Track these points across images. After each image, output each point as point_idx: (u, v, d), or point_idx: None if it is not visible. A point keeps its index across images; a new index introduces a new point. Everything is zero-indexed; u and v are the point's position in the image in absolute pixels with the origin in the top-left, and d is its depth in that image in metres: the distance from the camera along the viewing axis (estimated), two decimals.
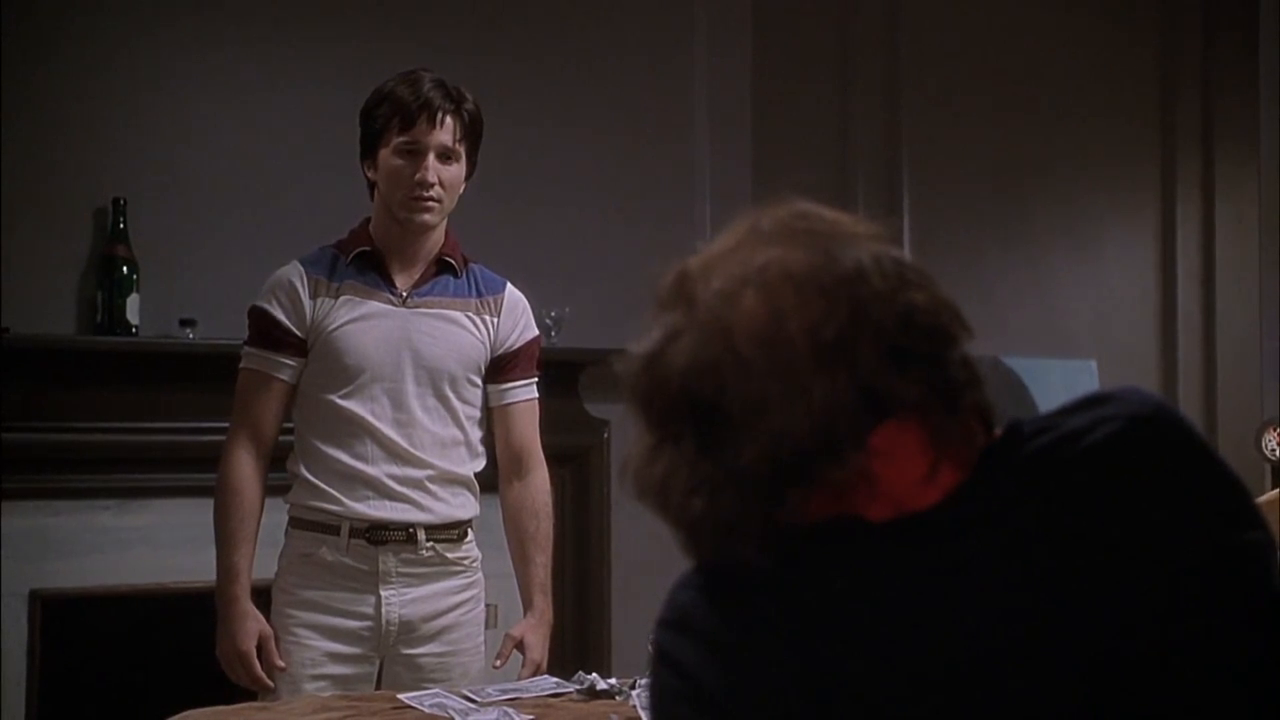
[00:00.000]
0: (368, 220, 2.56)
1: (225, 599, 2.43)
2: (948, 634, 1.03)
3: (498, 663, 2.56)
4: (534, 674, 2.51)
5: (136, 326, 3.59)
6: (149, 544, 3.60)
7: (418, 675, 2.46)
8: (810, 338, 1.02)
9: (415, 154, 2.44)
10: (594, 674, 2.26)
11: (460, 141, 2.48)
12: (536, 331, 2.67)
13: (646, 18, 4.38)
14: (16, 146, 3.52)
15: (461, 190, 2.54)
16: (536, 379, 2.65)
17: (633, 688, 2.18)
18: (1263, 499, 3.26)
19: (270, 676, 2.42)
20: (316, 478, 2.45)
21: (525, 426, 2.61)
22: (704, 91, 4.43)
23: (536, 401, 2.65)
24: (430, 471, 2.47)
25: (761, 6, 4.51)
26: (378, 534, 2.44)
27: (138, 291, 3.59)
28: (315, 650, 2.43)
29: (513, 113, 4.12)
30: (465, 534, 2.53)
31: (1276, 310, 4.44)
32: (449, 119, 2.45)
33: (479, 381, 2.55)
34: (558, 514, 4.17)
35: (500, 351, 2.57)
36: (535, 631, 2.56)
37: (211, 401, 3.63)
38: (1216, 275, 5.26)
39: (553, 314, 4.07)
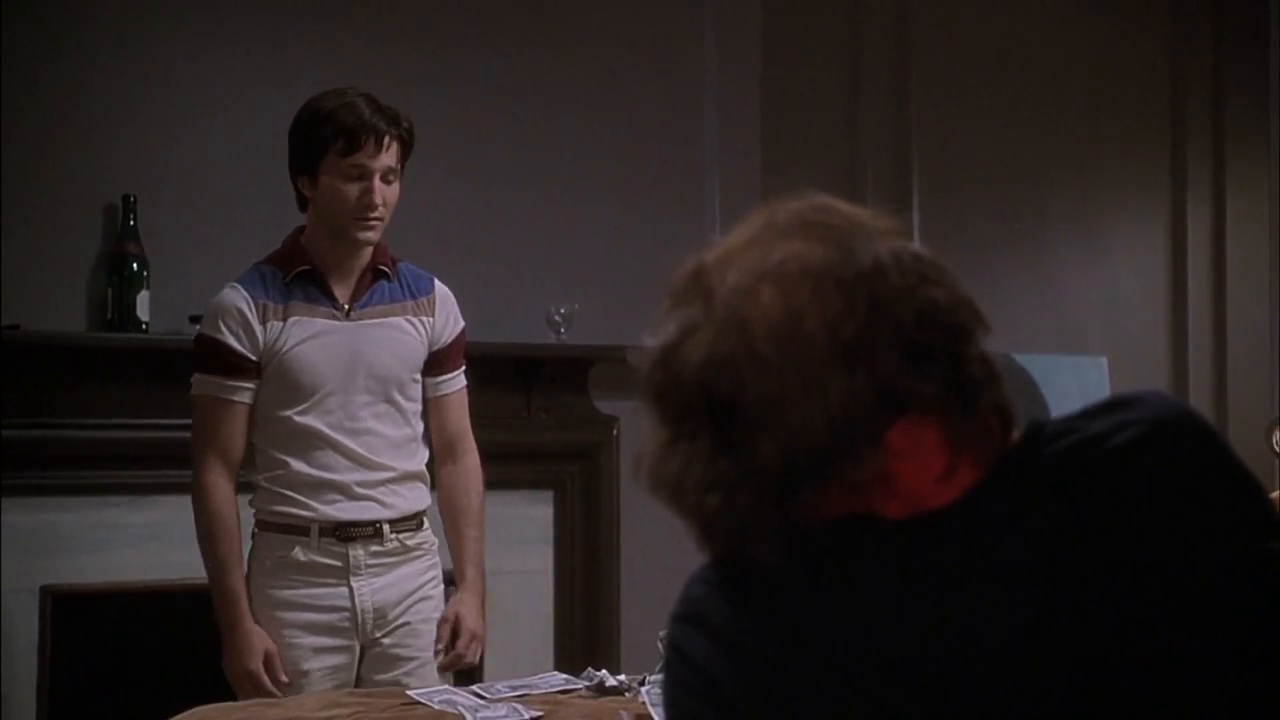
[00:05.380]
0: (299, 232, 2.66)
1: (229, 621, 2.54)
2: (963, 634, 1.02)
3: (439, 647, 2.67)
4: (471, 643, 2.65)
5: (147, 323, 3.58)
6: (159, 540, 3.60)
7: (393, 641, 2.62)
8: (829, 335, 1.02)
9: (361, 177, 2.53)
10: (603, 670, 2.27)
11: (399, 162, 2.60)
12: (463, 322, 2.78)
13: (656, 12, 4.37)
14: (26, 143, 3.52)
15: None
16: (464, 367, 2.78)
17: (642, 684, 2.19)
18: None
19: (278, 688, 2.52)
20: (282, 487, 2.57)
21: (458, 414, 2.75)
22: (714, 87, 4.42)
23: (465, 389, 2.78)
24: (391, 473, 2.62)
25: (771, 1, 4.50)
26: (346, 531, 2.58)
27: (148, 288, 3.59)
28: (301, 648, 2.56)
29: (521, 109, 4.13)
30: (422, 523, 2.68)
31: None
32: (394, 143, 2.56)
33: (419, 378, 2.69)
34: (567, 511, 4.20)
35: (436, 348, 2.70)
36: (466, 604, 2.68)
37: None
38: (1227, 272, 5.24)
39: (561, 311, 4.06)
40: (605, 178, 4.27)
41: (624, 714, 2.02)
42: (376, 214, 2.54)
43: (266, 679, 2.50)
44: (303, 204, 2.63)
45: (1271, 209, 4.67)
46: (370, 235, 2.57)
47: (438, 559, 2.71)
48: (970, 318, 1.07)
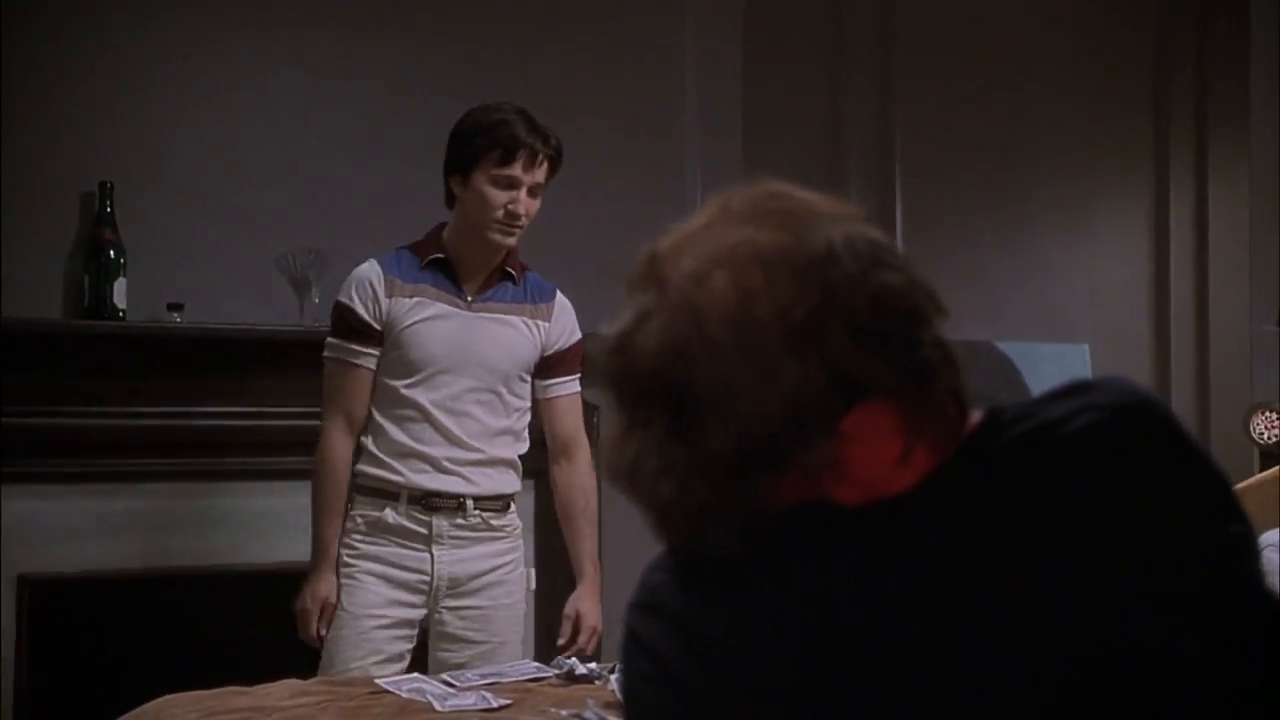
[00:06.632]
0: (442, 227, 2.87)
1: (312, 563, 2.80)
2: (918, 621, 1.02)
3: (561, 641, 2.86)
4: (591, 638, 2.85)
5: (124, 311, 3.56)
6: (137, 528, 3.59)
7: (464, 624, 2.80)
8: (781, 320, 1.01)
9: (510, 187, 2.74)
10: (573, 659, 2.27)
11: (547, 178, 2.81)
12: (580, 334, 2.93)
13: (637, 2, 4.35)
14: (2, 131, 3.50)
15: None
16: (579, 375, 2.93)
17: (611, 672, 2.19)
18: (1261, 477, 3.23)
19: (320, 639, 2.77)
20: (381, 452, 2.77)
21: (568, 416, 2.94)
22: (695, 76, 4.40)
23: (579, 394, 2.95)
24: (479, 455, 2.80)
25: None
26: (432, 501, 2.77)
27: (125, 275, 3.57)
28: (377, 595, 2.76)
29: (500, 98, 4.09)
30: (508, 506, 2.86)
31: (1265, 294, 4.43)
32: (545, 161, 2.78)
33: (528, 378, 2.87)
34: (548, 498, 4.20)
35: (549, 352, 2.89)
36: (585, 600, 2.89)
37: (199, 385, 3.63)
38: (1210, 259, 5.25)
39: None
40: (585, 167, 4.24)
41: (591, 702, 2.01)
42: (519, 223, 2.76)
43: (313, 622, 2.75)
44: (449, 201, 2.83)
45: (1250, 195, 4.67)
46: (509, 241, 2.78)
47: (520, 543, 2.90)
48: (925, 302, 1.06)
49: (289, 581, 3.62)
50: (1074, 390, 1.09)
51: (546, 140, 2.78)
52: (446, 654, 2.78)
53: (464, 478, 2.77)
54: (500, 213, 2.73)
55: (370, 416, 2.79)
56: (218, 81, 3.78)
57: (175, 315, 3.61)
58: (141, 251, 3.61)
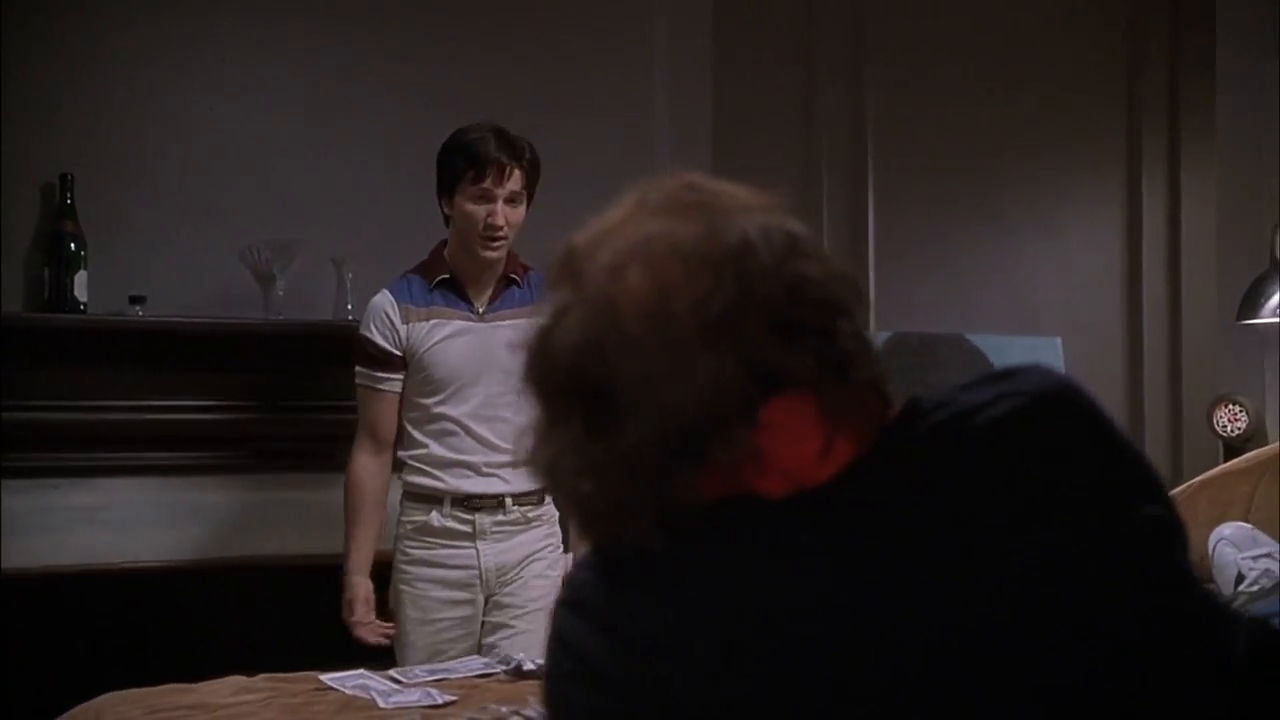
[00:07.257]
0: (443, 245, 3.08)
1: (345, 569, 3.03)
2: (842, 611, 1.02)
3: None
4: None
5: (85, 304, 3.54)
6: (97, 523, 3.56)
7: (513, 599, 3.01)
8: (696, 313, 1.01)
9: (487, 200, 2.94)
10: (521, 654, 2.26)
11: (524, 187, 2.99)
12: None
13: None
14: None
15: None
16: None
17: None
18: (1255, 455, 3.21)
19: (375, 632, 2.99)
20: (423, 464, 3.00)
21: None
22: (664, 71, 4.37)
23: None
24: (514, 457, 2.80)
25: None
26: (474, 502, 2.98)
27: (86, 268, 3.54)
28: (432, 599, 2.98)
29: (467, 95, 4.07)
30: (543, 498, 3.04)
31: (1232, 288, 4.44)
32: (517, 171, 2.95)
33: None
34: None
35: None
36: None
37: (161, 379, 3.61)
38: (1182, 252, 5.24)
39: None
40: (554, 164, 4.20)
41: (533, 699, 2.00)
42: (501, 234, 2.94)
43: (361, 628, 2.97)
44: (446, 220, 3.04)
45: (1218, 189, 4.67)
46: (492, 254, 2.98)
47: (556, 528, 3.10)
48: (844, 292, 1.05)
49: (261, 576, 3.62)
50: (994, 377, 1.09)
51: (517, 153, 2.95)
52: (499, 618, 2.98)
53: (502, 479, 2.98)
54: (481, 226, 2.93)
55: (409, 434, 3.02)
56: (181, 74, 3.76)
57: (137, 308, 3.58)
58: (103, 244, 3.58)
